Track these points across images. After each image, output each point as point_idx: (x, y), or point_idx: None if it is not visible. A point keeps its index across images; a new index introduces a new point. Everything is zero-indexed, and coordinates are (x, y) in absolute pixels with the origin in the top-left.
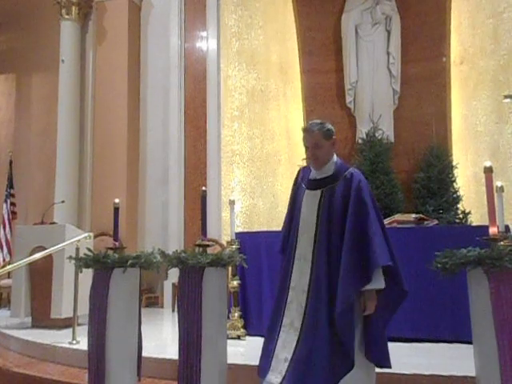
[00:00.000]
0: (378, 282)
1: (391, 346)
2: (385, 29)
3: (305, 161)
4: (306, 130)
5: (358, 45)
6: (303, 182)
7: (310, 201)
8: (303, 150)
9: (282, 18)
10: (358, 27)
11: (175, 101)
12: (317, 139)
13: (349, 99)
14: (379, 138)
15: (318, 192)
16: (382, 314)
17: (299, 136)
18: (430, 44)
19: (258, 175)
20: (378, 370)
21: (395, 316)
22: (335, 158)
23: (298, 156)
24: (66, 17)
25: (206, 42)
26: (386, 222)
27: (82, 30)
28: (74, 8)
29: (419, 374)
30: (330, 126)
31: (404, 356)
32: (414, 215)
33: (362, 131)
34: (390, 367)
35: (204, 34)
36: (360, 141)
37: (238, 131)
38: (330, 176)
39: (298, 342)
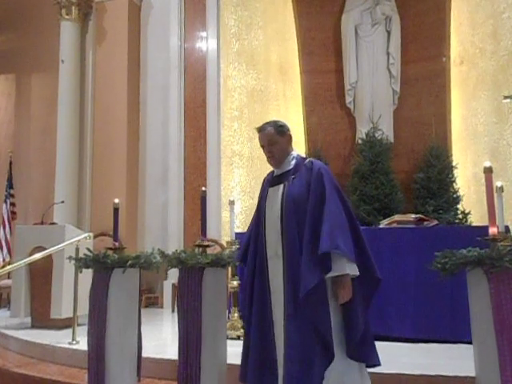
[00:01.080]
0: (340, 268)
1: (391, 345)
2: (385, 29)
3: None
4: (259, 130)
5: (358, 45)
6: (267, 185)
7: (273, 196)
8: (303, 150)
9: (281, 18)
10: (357, 27)
11: (175, 101)
12: (270, 136)
13: (348, 99)
14: (379, 138)
15: (281, 186)
16: (357, 306)
17: (299, 136)
18: (430, 44)
19: (257, 175)
20: (376, 369)
21: (395, 316)
22: (295, 153)
23: None
24: (66, 17)
25: (206, 43)
26: (385, 222)
27: (81, 30)
28: (73, 8)
29: (418, 375)
30: (283, 123)
31: (403, 356)
32: (413, 215)
33: (362, 131)
34: (379, 365)
35: (204, 34)
36: (360, 141)
37: (238, 131)
38: (292, 169)
39: (284, 346)
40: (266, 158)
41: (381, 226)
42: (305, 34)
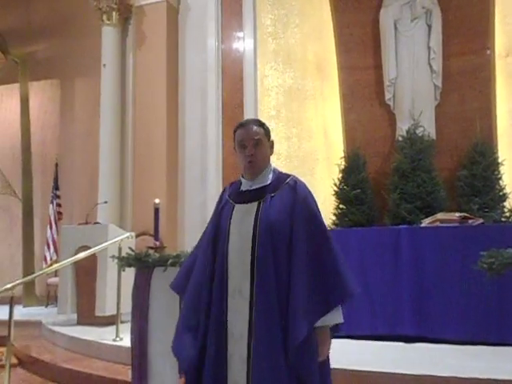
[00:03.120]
0: (338, 317)
1: (436, 348)
2: (425, 23)
3: (343, 159)
4: (243, 126)
5: (397, 40)
6: (231, 198)
7: (242, 217)
8: (341, 148)
9: (318, 16)
10: (396, 22)
11: (213, 102)
12: (258, 135)
13: (388, 96)
14: (420, 135)
15: (254, 205)
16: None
17: (337, 134)
18: (473, 37)
19: (295, 174)
20: (424, 371)
21: (439, 317)
22: (273, 165)
23: (335, 154)
24: (107, 22)
25: (243, 43)
26: (427, 220)
27: (122, 35)
28: (114, 13)
29: (466, 377)
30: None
31: (450, 358)
32: (457, 214)
33: (402, 128)
34: None
35: (241, 34)
36: (400, 138)
37: (275, 130)
38: (269, 185)
39: None
40: (305, 157)
41: (423, 225)
42: (342, 31)
